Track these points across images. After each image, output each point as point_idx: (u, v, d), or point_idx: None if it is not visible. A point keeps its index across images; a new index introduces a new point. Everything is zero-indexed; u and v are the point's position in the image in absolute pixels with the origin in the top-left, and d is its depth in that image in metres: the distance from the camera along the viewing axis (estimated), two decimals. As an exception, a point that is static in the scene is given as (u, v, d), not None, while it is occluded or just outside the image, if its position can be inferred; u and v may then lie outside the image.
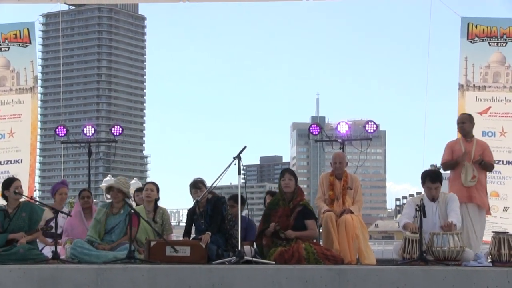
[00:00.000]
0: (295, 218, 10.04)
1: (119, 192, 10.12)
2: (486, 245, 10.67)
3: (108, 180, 32.26)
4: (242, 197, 10.38)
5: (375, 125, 15.69)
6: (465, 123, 11.17)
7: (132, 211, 9.73)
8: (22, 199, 9.95)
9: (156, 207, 10.77)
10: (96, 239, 9.88)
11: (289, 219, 10.02)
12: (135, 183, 25.37)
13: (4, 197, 9.87)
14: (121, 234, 9.94)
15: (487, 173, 11.24)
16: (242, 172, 9.57)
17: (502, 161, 13.46)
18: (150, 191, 10.79)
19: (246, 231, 10.94)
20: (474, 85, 13.79)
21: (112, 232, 9.99)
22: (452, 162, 10.99)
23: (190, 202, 10.46)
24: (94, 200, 11.54)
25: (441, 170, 11.30)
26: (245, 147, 9.74)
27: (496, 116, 13.61)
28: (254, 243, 10.35)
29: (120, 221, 10.01)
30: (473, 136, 11.24)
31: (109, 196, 10.33)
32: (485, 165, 11.01)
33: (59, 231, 10.22)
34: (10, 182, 9.94)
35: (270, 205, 10.31)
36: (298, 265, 9.07)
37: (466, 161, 10.89)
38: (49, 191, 11.89)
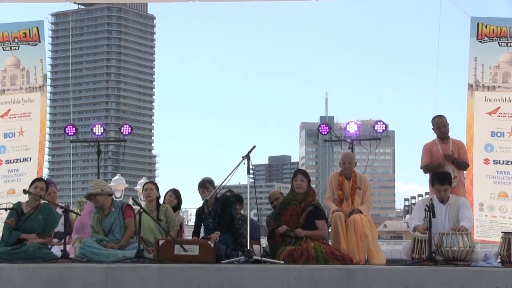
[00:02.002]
0: (305, 217, 10.06)
1: (99, 196, 10.09)
2: (495, 246, 10.64)
3: (117, 179, 32.34)
4: (240, 196, 10.43)
5: (384, 125, 15.61)
6: (446, 126, 11.34)
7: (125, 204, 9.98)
8: (42, 201, 10.01)
9: (158, 205, 10.79)
10: (104, 237, 9.90)
11: (300, 218, 10.04)
12: (143, 183, 25.38)
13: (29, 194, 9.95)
14: (123, 230, 9.98)
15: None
16: (251, 171, 9.57)
17: (511, 162, 13.38)
18: (150, 190, 10.82)
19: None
20: (483, 85, 13.71)
21: (112, 232, 10.00)
22: (434, 165, 11.06)
23: (199, 202, 10.50)
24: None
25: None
26: (254, 146, 9.74)
27: (505, 116, 13.52)
28: (264, 241, 10.36)
29: (115, 218, 10.04)
30: (449, 136, 11.37)
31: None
32: (459, 163, 11.12)
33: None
34: (34, 181, 10.11)
35: (281, 204, 10.32)
36: (307, 264, 9.06)
37: (446, 163, 10.99)
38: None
